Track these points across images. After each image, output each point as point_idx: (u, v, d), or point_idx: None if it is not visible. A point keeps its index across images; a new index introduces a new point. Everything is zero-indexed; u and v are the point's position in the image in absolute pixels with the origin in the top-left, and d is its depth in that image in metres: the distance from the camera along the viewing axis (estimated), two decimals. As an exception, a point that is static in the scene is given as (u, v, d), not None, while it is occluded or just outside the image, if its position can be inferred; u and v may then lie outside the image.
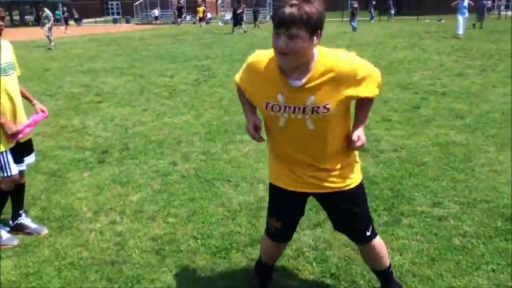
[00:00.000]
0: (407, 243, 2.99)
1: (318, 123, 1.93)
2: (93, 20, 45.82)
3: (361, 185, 2.20)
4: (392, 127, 5.74)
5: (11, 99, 2.90)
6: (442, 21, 30.25)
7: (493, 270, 2.69)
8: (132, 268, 2.81)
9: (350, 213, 2.18)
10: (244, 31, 24.68)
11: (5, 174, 2.92)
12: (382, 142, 5.10)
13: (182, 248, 3.03)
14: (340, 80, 1.87)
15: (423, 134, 5.43)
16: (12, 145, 2.95)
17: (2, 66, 2.83)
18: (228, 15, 39.36)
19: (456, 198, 3.66)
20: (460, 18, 18.12)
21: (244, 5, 27.43)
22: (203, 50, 15.93)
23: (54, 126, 6.27)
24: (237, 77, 2.14)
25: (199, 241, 3.12)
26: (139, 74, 10.84)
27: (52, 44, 18.09)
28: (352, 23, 24.45)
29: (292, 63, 1.83)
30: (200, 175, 4.34)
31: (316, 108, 1.88)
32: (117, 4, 56.81)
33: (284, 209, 2.28)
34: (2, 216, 3.21)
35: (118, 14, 52.77)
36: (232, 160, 4.74)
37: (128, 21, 43.39)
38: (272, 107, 1.94)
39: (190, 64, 12.39)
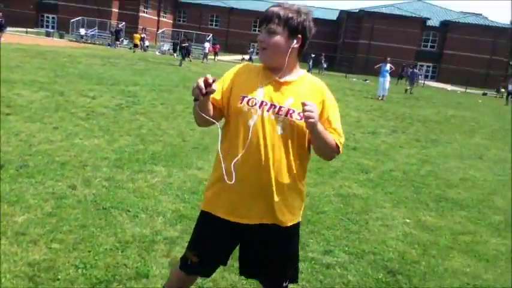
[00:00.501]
0: (291, 289, 3.03)
1: (287, 129, 1.95)
2: (24, 29, 43.76)
3: (299, 223, 2.15)
4: (302, 174, 5.91)
5: None
6: (368, 81, 32.37)
7: (366, 321, 2.79)
8: (-4, 294, 2.59)
9: (284, 253, 2.11)
10: (180, 65, 24.78)
11: None
12: (288, 187, 5.21)
13: (60, 277, 2.85)
14: (323, 100, 2.04)
15: (329, 184, 5.66)
16: None
17: None
18: (166, 46, 39.44)
19: (346, 248, 3.80)
20: (381, 80, 19.50)
21: (186, 38, 27.81)
22: (133, 76, 15.69)
23: (-51, 134, 5.80)
24: None
25: (80, 270, 2.95)
26: (59, 91, 10.39)
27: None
28: None
29: (269, 59, 1.98)
30: (98, 202, 4.16)
31: (291, 112, 1.94)
32: (53, 17, 55.00)
33: (210, 242, 2.11)
34: None
35: (53, 27, 50.98)
36: (136, 190, 4.61)
37: (61, 37, 41.90)
38: (248, 100, 1.95)
39: (116, 88, 12.11)
